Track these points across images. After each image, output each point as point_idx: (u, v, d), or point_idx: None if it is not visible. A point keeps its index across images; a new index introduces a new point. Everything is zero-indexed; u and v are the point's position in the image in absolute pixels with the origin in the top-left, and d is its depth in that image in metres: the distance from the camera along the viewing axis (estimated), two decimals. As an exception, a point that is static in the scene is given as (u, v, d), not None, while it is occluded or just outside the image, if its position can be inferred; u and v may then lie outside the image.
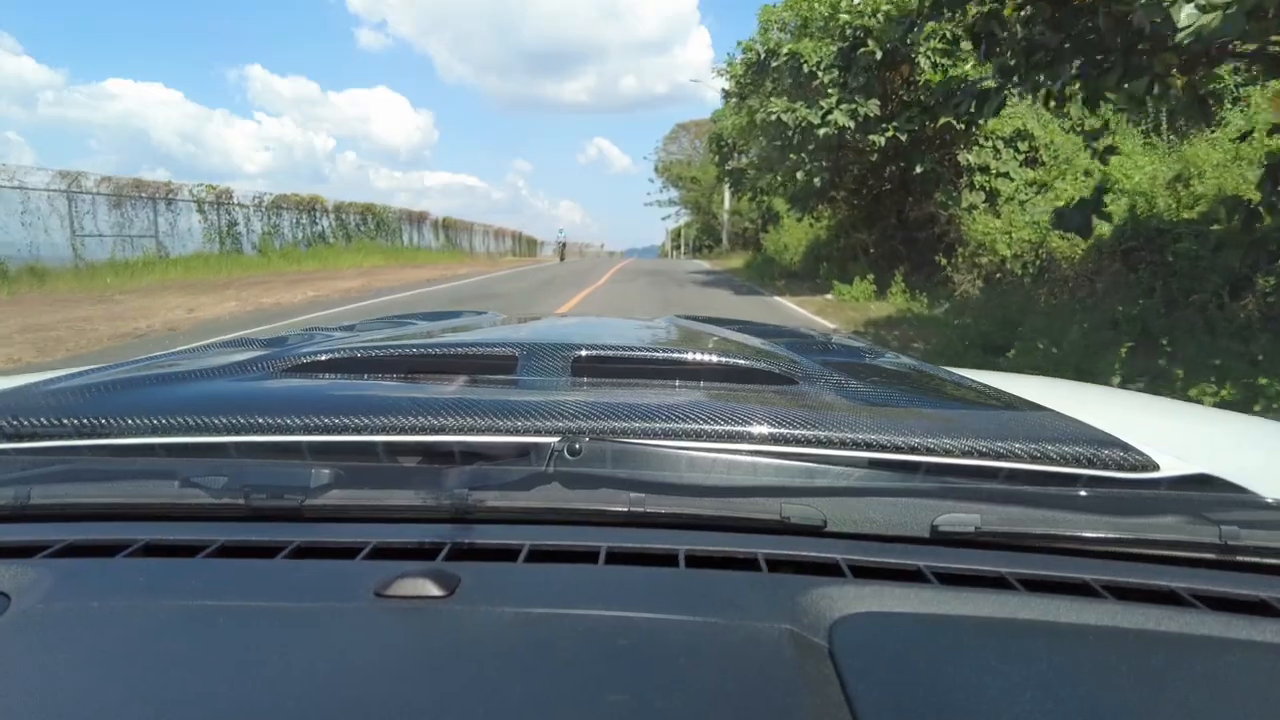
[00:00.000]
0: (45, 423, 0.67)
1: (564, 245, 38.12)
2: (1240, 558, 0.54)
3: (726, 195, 34.04)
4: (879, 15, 10.64)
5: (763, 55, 12.21)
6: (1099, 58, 3.82)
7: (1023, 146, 10.90)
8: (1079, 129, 9.67)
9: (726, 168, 19.79)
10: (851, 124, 10.77)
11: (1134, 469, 0.62)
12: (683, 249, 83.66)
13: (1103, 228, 5.93)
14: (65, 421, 0.67)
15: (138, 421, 0.66)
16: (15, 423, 0.67)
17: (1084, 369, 4.85)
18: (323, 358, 0.88)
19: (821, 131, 10.86)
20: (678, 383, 0.86)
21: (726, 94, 14.93)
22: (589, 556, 0.53)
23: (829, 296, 12.05)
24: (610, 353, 0.89)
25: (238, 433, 0.65)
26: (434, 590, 0.47)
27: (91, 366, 0.94)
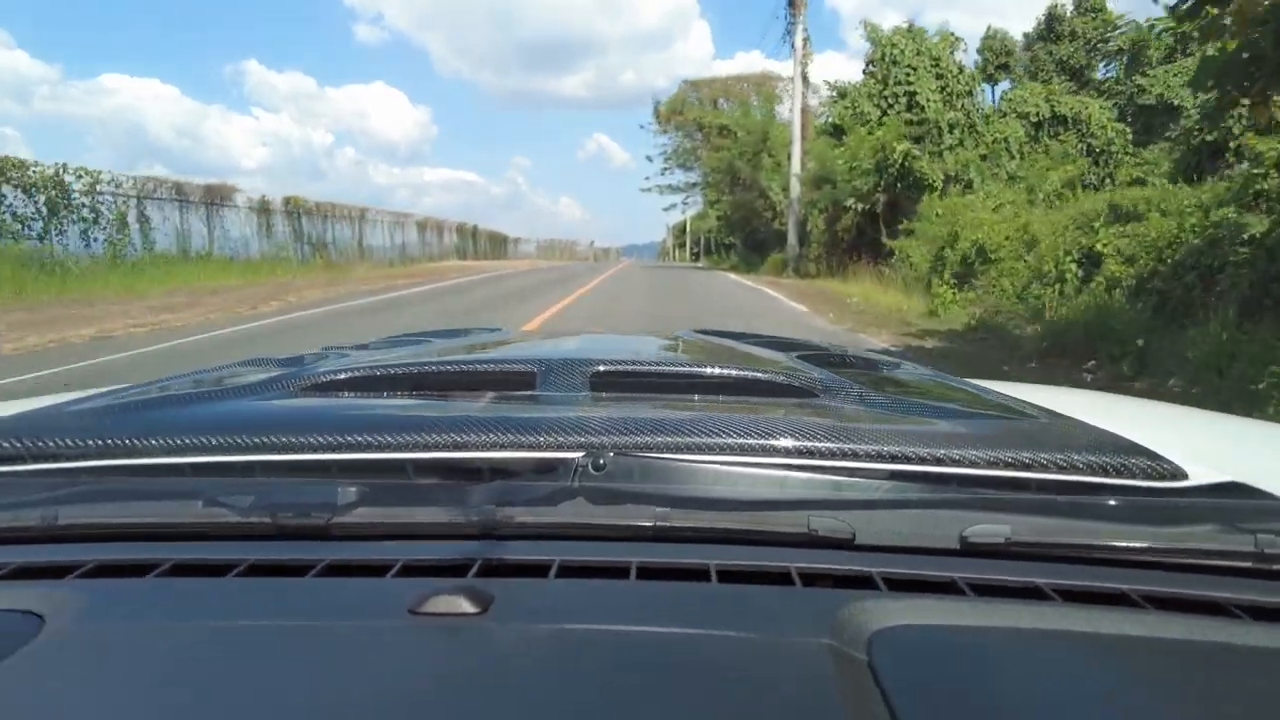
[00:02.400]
0: (71, 444, 0.68)
1: None
2: (1277, 565, 0.52)
3: (797, 150, 18.58)
4: None
5: None
6: None
7: None
8: None
9: None
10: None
11: (1163, 478, 0.61)
12: (690, 249, 66.91)
13: None
14: (91, 442, 0.68)
15: (163, 442, 0.67)
16: (41, 444, 0.68)
17: None
18: (342, 376, 0.88)
19: None
20: (697, 397, 0.86)
21: None
22: (620, 572, 0.53)
23: None
24: (629, 368, 0.90)
25: (263, 452, 0.66)
26: (468, 607, 0.46)
27: (116, 387, 0.97)
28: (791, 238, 18.82)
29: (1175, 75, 21.44)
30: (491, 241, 47.66)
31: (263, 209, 19.20)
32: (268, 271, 16.58)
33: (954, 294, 8.98)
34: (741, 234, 29.93)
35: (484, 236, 45.77)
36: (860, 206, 13.57)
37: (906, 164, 12.68)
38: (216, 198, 17.18)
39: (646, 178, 37.71)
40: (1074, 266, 7.81)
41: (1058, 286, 7.88)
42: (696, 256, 54.51)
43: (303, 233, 21.00)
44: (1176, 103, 19.82)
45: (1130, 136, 20.28)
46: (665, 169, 35.09)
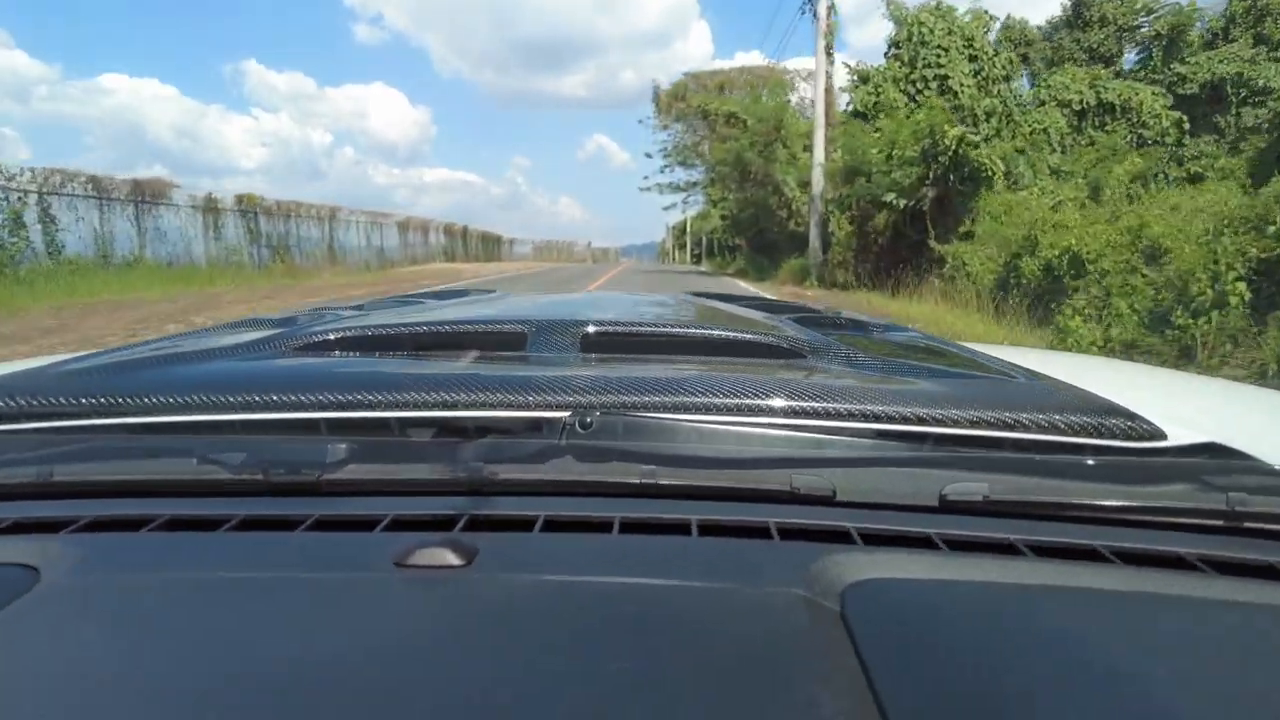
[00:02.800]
0: (65, 402, 0.68)
1: None
2: (1247, 524, 0.53)
3: (820, 136, 16.07)
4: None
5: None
6: None
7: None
8: None
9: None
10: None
11: (1142, 438, 0.62)
12: (690, 250, 64.18)
13: None
14: (85, 401, 0.68)
15: (156, 400, 0.68)
16: (36, 402, 0.68)
17: None
18: (333, 336, 0.89)
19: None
20: (687, 357, 0.85)
21: None
22: (604, 526, 0.53)
23: None
24: (620, 328, 0.91)
25: (255, 410, 0.67)
26: (453, 559, 0.47)
27: (110, 348, 0.98)
28: (814, 240, 15.95)
29: (1222, 62, 19.30)
30: (484, 243, 44.83)
31: (209, 208, 16.91)
32: (204, 280, 14.29)
33: (1087, 327, 6.62)
34: (749, 235, 27.03)
35: (475, 237, 43.09)
36: (901, 203, 11.24)
37: (960, 152, 10.38)
38: (146, 194, 14.88)
39: (645, 176, 35.01)
40: (1240, 285, 5.57)
41: (1212, 314, 5.64)
42: (698, 258, 51.99)
43: (259, 234, 18.71)
44: (1263, 83, 17.49)
45: (1187, 126, 18.07)
46: (665, 166, 32.57)
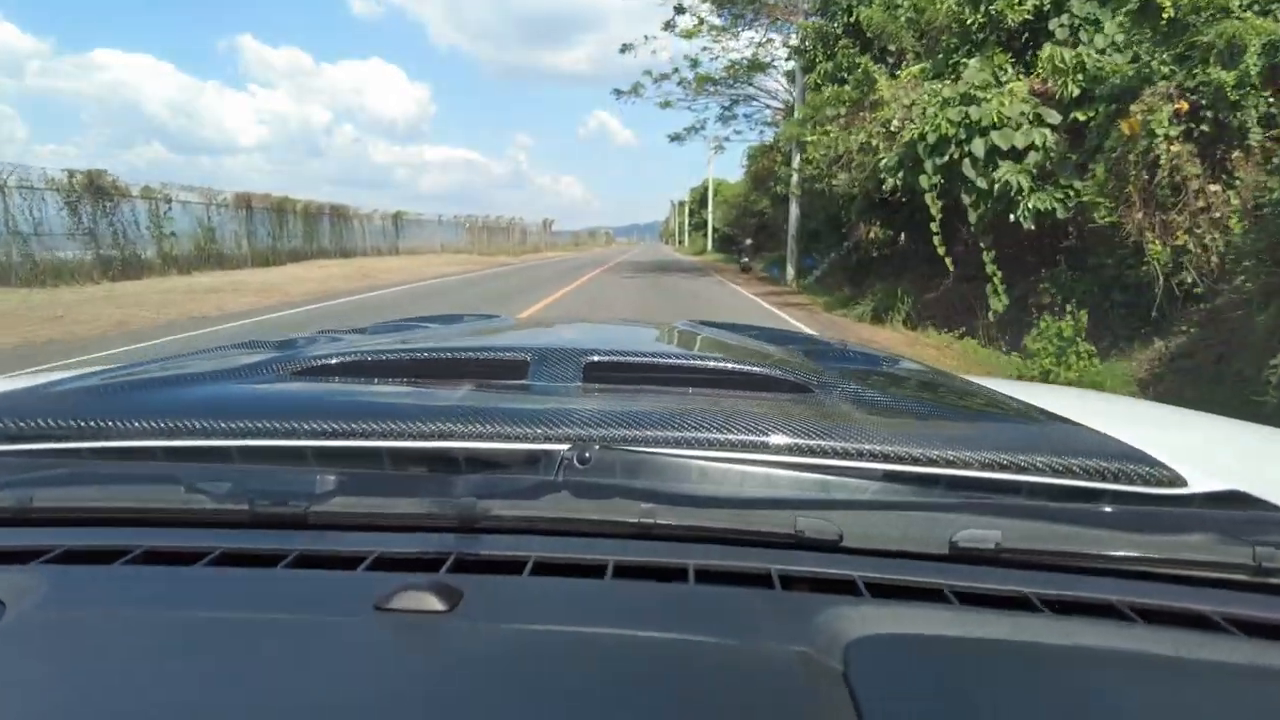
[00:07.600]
0: (50, 425, 0.67)
1: None
2: (1275, 580, 0.51)
3: None
4: None
5: None
6: None
7: None
8: None
9: None
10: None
11: (1162, 484, 0.60)
12: (713, 234, 41.59)
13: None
14: (70, 424, 0.67)
15: (143, 424, 0.66)
16: (19, 424, 0.66)
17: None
18: (332, 361, 0.87)
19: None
20: (691, 390, 0.83)
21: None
22: (596, 570, 0.52)
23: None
24: (623, 359, 0.88)
25: (243, 437, 0.65)
26: (435, 604, 0.46)
27: (98, 368, 0.94)
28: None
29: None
30: (308, 223, 23.21)
31: None
32: None
33: None
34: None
35: (296, 214, 22.23)
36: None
37: None
38: None
39: (635, 47, 16.95)
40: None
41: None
42: (741, 258, 23.62)
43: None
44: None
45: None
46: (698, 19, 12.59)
